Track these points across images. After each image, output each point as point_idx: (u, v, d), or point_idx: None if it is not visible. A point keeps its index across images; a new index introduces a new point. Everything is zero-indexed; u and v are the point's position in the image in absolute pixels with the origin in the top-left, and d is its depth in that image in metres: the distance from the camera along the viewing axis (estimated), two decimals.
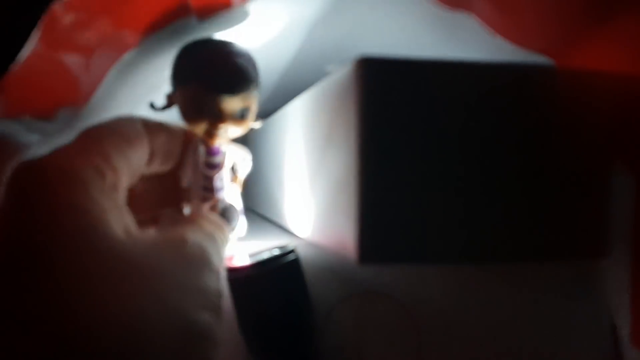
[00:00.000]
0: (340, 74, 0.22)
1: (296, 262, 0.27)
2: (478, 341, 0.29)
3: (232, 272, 0.26)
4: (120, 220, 0.19)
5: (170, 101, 0.26)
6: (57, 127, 0.29)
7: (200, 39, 0.26)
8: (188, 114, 0.25)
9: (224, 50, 0.25)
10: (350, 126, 0.21)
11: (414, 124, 0.21)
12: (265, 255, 0.26)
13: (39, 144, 0.29)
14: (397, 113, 0.20)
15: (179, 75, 0.26)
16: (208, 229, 0.23)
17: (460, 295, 0.29)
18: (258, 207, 0.31)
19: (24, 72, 0.24)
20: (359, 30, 0.30)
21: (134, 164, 0.22)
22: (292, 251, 0.27)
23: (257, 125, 0.28)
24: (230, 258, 0.29)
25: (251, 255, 0.27)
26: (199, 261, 0.20)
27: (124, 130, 0.22)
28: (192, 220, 0.25)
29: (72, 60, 0.26)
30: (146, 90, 0.30)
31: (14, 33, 0.23)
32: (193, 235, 0.22)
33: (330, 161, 0.23)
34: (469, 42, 0.28)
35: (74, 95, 0.28)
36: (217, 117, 0.25)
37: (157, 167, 0.26)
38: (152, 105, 0.27)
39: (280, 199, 0.33)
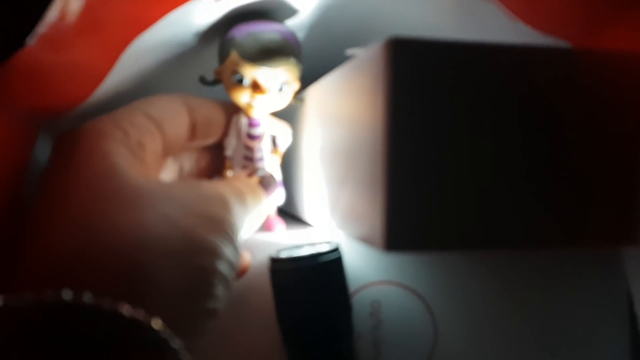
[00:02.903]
0: (366, 56, 0.22)
1: (339, 261, 0.26)
2: (496, 330, 0.28)
3: (274, 262, 0.26)
4: (138, 166, 0.23)
5: (218, 76, 0.27)
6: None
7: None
8: (229, 86, 0.27)
9: (260, 24, 0.27)
10: (378, 109, 0.20)
11: (443, 107, 0.20)
12: (309, 251, 0.26)
13: None
14: (427, 95, 0.20)
15: (222, 49, 0.27)
16: (235, 184, 0.25)
17: (479, 285, 0.28)
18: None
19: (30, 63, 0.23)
20: (377, 16, 0.30)
21: (169, 132, 0.26)
22: (336, 249, 0.26)
23: (300, 101, 0.29)
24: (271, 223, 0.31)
25: (294, 248, 0.27)
26: (213, 197, 0.23)
27: (158, 102, 0.26)
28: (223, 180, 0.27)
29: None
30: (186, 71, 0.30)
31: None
32: (212, 183, 0.24)
33: (356, 146, 0.23)
34: (490, 28, 0.27)
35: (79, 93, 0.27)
36: (254, 88, 0.27)
37: (203, 140, 0.28)
38: (201, 80, 0.28)
39: (297, 190, 0.32)
